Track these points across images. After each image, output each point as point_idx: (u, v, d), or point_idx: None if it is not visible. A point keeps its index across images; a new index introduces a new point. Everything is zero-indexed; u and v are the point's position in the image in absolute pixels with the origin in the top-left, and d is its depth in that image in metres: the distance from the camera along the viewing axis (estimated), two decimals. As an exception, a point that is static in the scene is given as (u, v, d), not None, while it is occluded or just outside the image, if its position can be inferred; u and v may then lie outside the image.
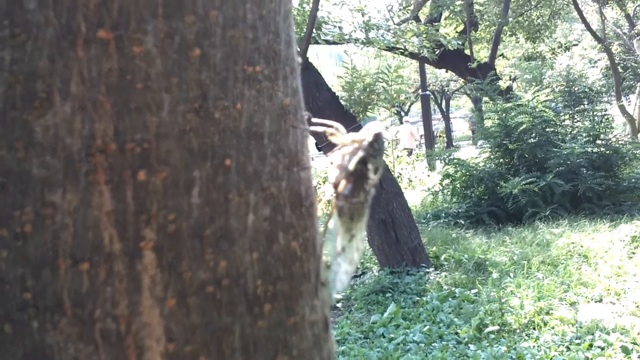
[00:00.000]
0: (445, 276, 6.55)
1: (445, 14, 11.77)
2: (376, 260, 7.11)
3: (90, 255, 0.57)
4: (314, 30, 5.94)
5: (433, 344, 5.17)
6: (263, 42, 0.65)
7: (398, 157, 11.95)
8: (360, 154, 0.70)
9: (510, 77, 13.77)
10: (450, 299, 5.99)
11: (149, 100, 0.58)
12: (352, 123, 5.95)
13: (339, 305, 6.45)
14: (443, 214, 8.62)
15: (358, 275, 7.12)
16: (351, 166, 0.69)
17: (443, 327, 5.40)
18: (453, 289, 6.16)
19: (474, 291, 5.95)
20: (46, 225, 0.57)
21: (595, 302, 5.13)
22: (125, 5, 0.57)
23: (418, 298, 6.13)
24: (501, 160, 8.53)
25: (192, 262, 0.59)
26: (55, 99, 0.57)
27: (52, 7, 0.57)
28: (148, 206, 0.58)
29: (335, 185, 0.68)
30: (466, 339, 5.08)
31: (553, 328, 4.63)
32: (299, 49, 0.74)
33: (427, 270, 6.78)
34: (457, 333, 5.25)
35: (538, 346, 4.40)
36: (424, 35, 7.94)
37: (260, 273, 0.63)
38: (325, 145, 5.71)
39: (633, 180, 8.14)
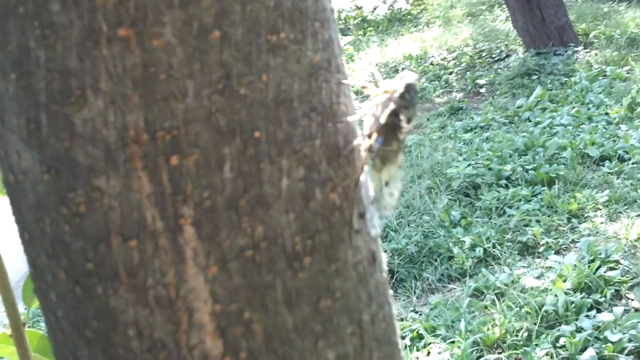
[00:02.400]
0: (596, 54, 6.33)
1: None
2: (520, 42, 6.92)
3: (137, 233, 0.63)
4: None
5: (581, 126, 5.10)
6: (286, 6, 0.65)
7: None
8: (392, 106, 0.70)
9: None
10: (600, 78, 5.82)
11: (173, 89, 0.61)
12: None
13: (482, 90, 6.40)
14: (593, -13, 8.16)
15: (502, 59, 6.97)
16: (382, 119, 0.70)
17: (592, 108, 5.30)
18: (603, 67, 5.96)
19: (626, 68, 5.74)
20: (96, 207, 0.63)
21: None
22: (141, 1, 0.59)
23: (566, 79, 5.99)
24: None
25: (229, 232, 0.64)
26: (88, 94, 0.61)
27: (73, 9, 0.59)
28: (183, 187, 0.63)
29: (369, 136, 0.70)
30: (617, 119, 4.97)
31: None
32: None
33: (576, 49, 6.55)
34: (607, 113, 5.14)
35: None
36: None
37: (297, 230, 0.67)
38: None
39: None
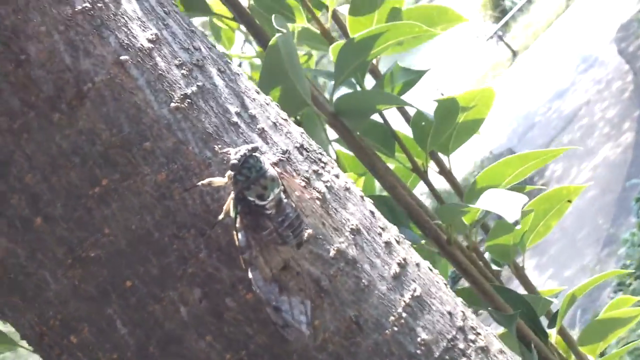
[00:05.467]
0: None
1: None
2: None
3: None
4: None
5: None
6: (96, 151, 0.62)
7: None
8: (232, 196, 0.62)
9: None
10: None
11: (36, 282, 0.64)
12: None
13: None
14: None
15: None
16: (221, 217, 0.63)
17: None
18: None
19: None
20: None
21: None
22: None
23: None
24: None
25: None
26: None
27: None
28: (95, 356, 0.65)
29: (235, 236, 0.63)
30: None
31: None
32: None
33: None
34: None
35: None
36: None
37: (224, 348, 0.64)
38: None
39: None
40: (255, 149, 0.62)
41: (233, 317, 0.64)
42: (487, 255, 1.47)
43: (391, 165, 1.29)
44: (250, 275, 0.63)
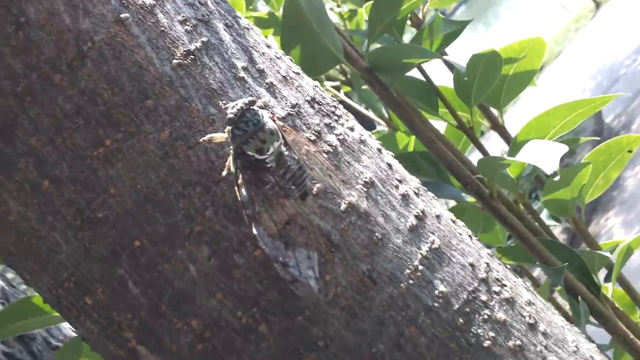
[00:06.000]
0: None
1: None
2: None
3: None
4: None
5: None
6: (99, 111, 0.62)
7: None
8: (231, 151, 0.61)
9: None
10: None
11: (48, 246, 0.65)
12: None
13: None
14: None
15: None
16: (224, 173, 0.62)
17: None
18: None
19: None
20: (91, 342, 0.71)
21: None
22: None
23: None
24: None
25: (170, 337, 0.65)
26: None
27: None
28: (110, 316, 0.66)
29: (237, 193, 0.62)
30: None
31: None
32: None
33: None
34: None
35: None
36: None
37: (235, 306, 0.64)
38: None
39: None
40: (252, 102, 0.61)
41: (243, 274, 0.64)
42: (545, 212, 1.43)
43: (442, 124, 1.27)
44: (254, 231, 0.62)
